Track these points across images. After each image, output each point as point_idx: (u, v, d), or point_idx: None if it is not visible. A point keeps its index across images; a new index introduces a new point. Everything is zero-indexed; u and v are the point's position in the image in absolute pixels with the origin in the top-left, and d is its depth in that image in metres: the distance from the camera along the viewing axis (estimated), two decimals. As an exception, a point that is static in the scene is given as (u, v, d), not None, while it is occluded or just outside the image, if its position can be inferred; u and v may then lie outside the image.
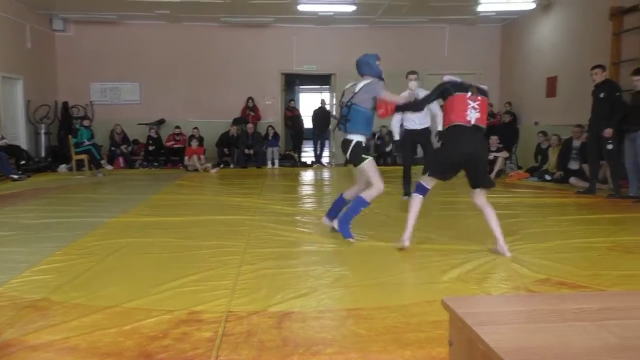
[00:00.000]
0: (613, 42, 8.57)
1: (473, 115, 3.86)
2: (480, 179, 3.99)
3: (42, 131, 11.48)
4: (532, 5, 10.83)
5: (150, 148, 11.94)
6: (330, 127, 12.80)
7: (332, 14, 11.54)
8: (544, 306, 1.22)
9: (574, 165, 8.51)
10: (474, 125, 3.88)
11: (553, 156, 9.19)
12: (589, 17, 9.35)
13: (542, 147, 9.64)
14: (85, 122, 10.83)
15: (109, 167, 11.29)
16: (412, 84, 5.89)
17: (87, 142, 10.43)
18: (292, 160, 12.64)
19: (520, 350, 0.96)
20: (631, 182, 6.78)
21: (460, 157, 3.91)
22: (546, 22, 10.95)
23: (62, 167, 11.01)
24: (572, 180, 8.20)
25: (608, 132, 6.79)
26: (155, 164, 11.88)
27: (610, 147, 6.89)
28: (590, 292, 2.96)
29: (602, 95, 6.91)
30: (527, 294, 3.14)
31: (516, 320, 1.14)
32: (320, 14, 11.53)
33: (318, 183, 9.97)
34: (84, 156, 10.30)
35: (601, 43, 8.79)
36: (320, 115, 13.05)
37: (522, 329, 1.09)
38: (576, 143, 8.51)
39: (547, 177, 8.98)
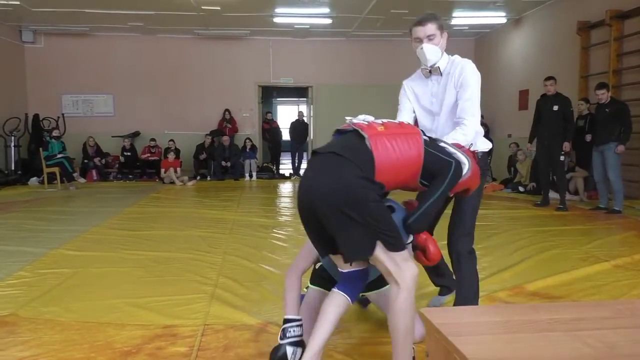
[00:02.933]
0: (581, 56, 8.81)
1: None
2: (342, 245, 2.06)
3: (12, 144, 11.21)
4: (504, 20, 11.09)
5: (122, 159, 11.76)
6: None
7: (308, 26, 11.62)
8: (518, 317, 1.23)
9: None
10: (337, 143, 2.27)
11: (523, 169, 9.38)
12: (557, 32, 9.61)
13: (514, 159, 9.83)
14: (55, 133, 10.64)
15: (82, 180, 11.10)
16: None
17: (58, 155, 10.23)
18: (270, 173, 12.61)
19: (496, 361, 0.97)
20: (601, 194, 6.92)
21: (301, 210, 2.26)
22: (517, 36, 11.22)
23: (33, 180, 10.77)
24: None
25: (567, 145, 6.94)
26: (130, 176, 11.71)
27: (562, 158, 7.04)
28: (563, 303, 3.01)
29: (555, 108, 6.97)
30: (502, 305, 3.17)
31: (491, 331, 1.15)
32: (296, 26, 11.60)
33: (296, 195, 9.93)
34: (55, 169, 10.10)
35: (570, 57, 9.04)
36: (298, 127, 13.08)
37: (497, 339, 1.10)
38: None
39: (521, 188, 9.14)
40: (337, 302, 2.17)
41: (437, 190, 2.12)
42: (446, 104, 2.63)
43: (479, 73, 2.62)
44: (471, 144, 2.49)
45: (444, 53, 2.65)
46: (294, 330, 2.26)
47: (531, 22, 10.68)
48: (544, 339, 1.08)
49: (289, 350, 2.23)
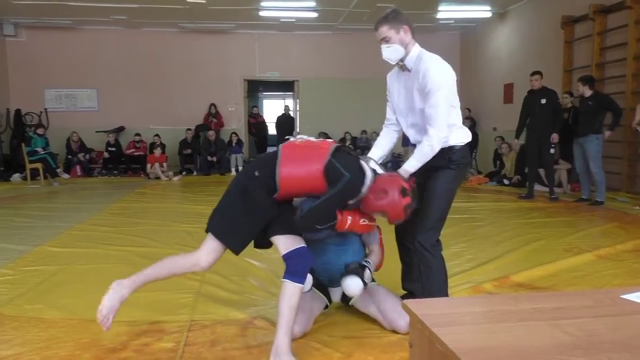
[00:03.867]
0: (565, 50, 8.90)
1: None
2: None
3: (-7, 139, 11.08)
4: (489, 14, 11.15)
5: (107, 155, 11.64)
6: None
7: (294, 20, 11.58)
8: (500, 307, 1.25)
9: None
10: None
11: (508, 162, 9.46)
12: (542, 26, 9.69)
13: (499, 153, 9.91)
14: (40, 131, 10.51)
15: (66, 176, 10.97)
16: None
17: (41, 151, 10.11)
18: (255, 167, 12.57)
19: (478, 351, 0.98)
20: (583, 186, 7.02)
21: None
22: (502, 30, 11.29)
23: (16, 177, 10.63)
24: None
25: (555, 137, 7.02)
26: (115, 172, 11.60)
27: (552, 151, 7.13)
28: (545, 293, 3.05)
29: (543, 101, 7.04)
30: (485, 295, 3.20)
31: (474, 321, 1.16)
32: (282, 20, 11.55)
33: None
34: (38, 165, 9.97)
35: (554, 51, 9.12)
36: (285, 121, 13.06)
37: (480, 329, 1.11)
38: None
39: (506, 181, 9.22)
40: (286, 293, 2.32)
41: (325, 195, 2.29)
42: (415, 101, 2.62)
43: (446, 70, 2.55)
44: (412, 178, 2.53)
45: (414, 46, 2.64)
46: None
47: (516, 16, 10.75)
48: (525, 328, 1.09)
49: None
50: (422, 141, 2.56)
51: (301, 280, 2.32)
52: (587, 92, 6.67)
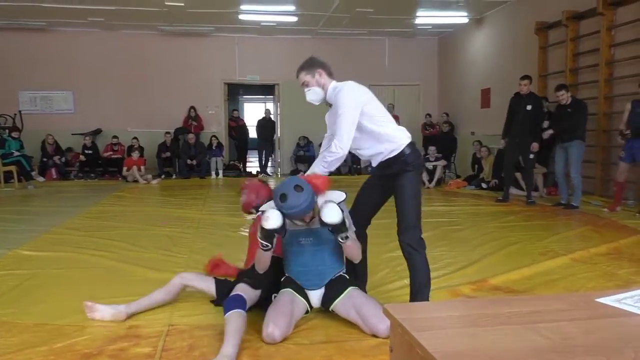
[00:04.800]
0: (539, 55, 9.06)
1: None
2: None
3: (-34, 141, 10.80)
4: (466, 20, 11.30)
5: (83, 158, 11.44)
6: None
7: (275, 24, 11.57)
8: (479, 310, 1.26)
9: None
10: None
11: (486, 166, 9.59)
12: (517, 32, 9.85)
13: (478, 157, 10.04)
14: (14, 134, 10.31)
15: (41, 179, 10.77)
16: None
17: (16, 153, 9.91)
18: (236, 171, 12.52)
19: (457, 355, 0.99)
20: (561, 190, 7.13)
21: None
22: (479, 35, 11.45)
23: (-11, 179, 10.39)
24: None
25: (535, 146, 7.11)
26: (92, 175, 11.42)
27: (532, 157, 7.22)
28: (522, 297, 3.09)
29: (529, 107, 7.12)
30: (464, 299, 3.24)
31: (453, 325, 1.17)
32: (262, 24, 11.53)
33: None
34: (12, 167, 9.77)
35: (529, 56, 9.28)
36: (265, 125, 13.02)
37: (459, 333, 1.12)
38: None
39: (484, 185, 9.34)
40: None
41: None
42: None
43: (354, 93, 2.83)
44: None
45: (331, 84, 2.94)
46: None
47: (492, 22, 10.92)
48: (503, 331, 1.11)
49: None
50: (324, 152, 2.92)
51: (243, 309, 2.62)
52: (568, 99, 6.79)
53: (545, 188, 8.22)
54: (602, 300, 1.30)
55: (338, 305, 2.78)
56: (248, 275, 2.92)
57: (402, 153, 2.82)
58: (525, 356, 0.98)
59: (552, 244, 4.79)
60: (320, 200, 2.72)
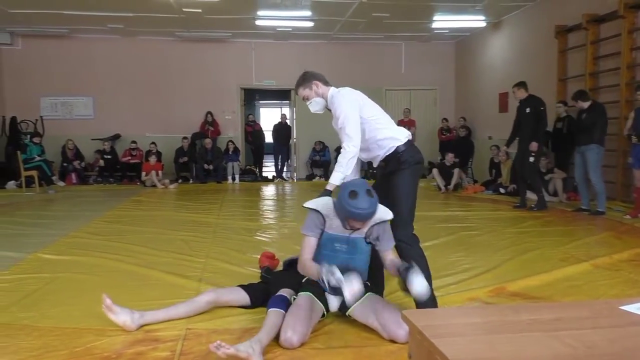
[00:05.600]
0: (559, 59, 8.96)
1: None
2: None
3: (-11, 147, 11.04)
4: (483, 24, 11.23)
5: (102, 163, 11.59)
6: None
7: (291, 29, 11.62)
8: (499, 317, 1.25)
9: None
10: None
11: (504, 170, 9.48)
12: (536, 35, 9.76)
13: (495, 161, 9.94)
14: (36, 140, 10.50)
15: (61, 184, 10.94)
16: None
17: (37, 158, 10.08)
18: (253, 175, 12.57)
19: (477, 362, 0.98)
20: (582, 195, 7.01)
21: None
22: (497, 39, 11.36)
23: (11, 184, 10.58)
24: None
25: (534, 145, 7.01)
26: (111, 179, 11.56)
27: (532, 159, 7.09)
28: (543, 303, 3.05)
29: (527, 110, 7.08)
30: (484, 305, 3.20)
31: (473, 332, 1.16)
32: (278, 29, 11.59)
33: (280, 197, 9.94)
34: (33, 172, 9.93)
35: (548, 60, 9.18)
36: (281, 130, 13.07)
37: (479, 340, 1.11)
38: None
39: (502, 190, 9.24)
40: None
41: None
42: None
43: (347, 96, 3.03)
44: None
45: (329, 91, 3.13)
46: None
47: (510, 26, 10.83)
48: (524, 339, 1.09)
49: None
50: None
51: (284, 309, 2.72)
52: (585, 105, 6.72)
53: (564, 193, 8.10)
54: (626, 307, 1.27)
55: (356, 310, 2.76)
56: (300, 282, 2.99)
57: (396, 151, 2.95)
58: (548, 364, 0.96)
59: (573, 249, 4.72)
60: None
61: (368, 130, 2.99)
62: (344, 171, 2.94)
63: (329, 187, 2.99)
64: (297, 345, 2.53)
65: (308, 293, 2.80)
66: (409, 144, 3.02)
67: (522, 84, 7.29)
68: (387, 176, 3.01)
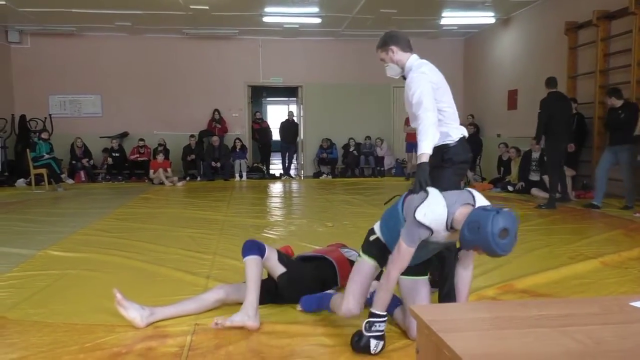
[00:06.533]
0: (569, 56, 8.89)
1: None
2: None
3: (-1, 145, 11.12)
4: (492, 20, 11.16)
5: (110, 161, 11.66)
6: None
7: (298, 26, 11.61)
8: (507, 313, 1.24)
9: (534, 176, 8.72)
10: None
11: (514, 168, 9.43)
12: (546, 32, 9.69)
13: (503, 159, 9.89)
14: (44, 135, 10.55)
15: (70, 181, 11.01)
16: None
17: (46, 156, 10.14)
18: (260, 173, 12.60)
19: (485, 357, 0.97)
20: (598, 191, 6.89)
21: None
22: (506, 36, 11.29)
23: (20, 182, 10.66)
24: (534, 191, 8.42)
25: (571, 146, 7.09)
26: (119, 177, 11.63)
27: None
28: (552, 299, 3.03)
29: (562, 108, 7.06)
30: (491, 301, 3.19)
31: (481, 327, 1.15)
32: (285, 26, 11.59)
33: (287, 195, 9.95)
34: (42, 170, 10.00)
35: (558, 57, 9.11)
36: (288, 127, 13.07)
37: (487, 335, 1.10)
38: (535, 155, 8.74)
39: (510, 188, 9.20)
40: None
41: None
42: (408, 108, 3.01)
43: (426, 78, 2.88)
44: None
45: (408, 59, 3.03)
46: (379, 325, 2.41)
47: (519, 22, 10.76)
48: (532, 334, 1.09)
49: (373, 343, 2.40)
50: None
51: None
52: (618, 103, 6.67)
53: (573, 191, 8.05)
54: (636, 304, 1.27)
55: (399, 313, 2.74)
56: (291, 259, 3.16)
57: (444, 145, 2.88)
58: (557, 360, 0.96)
59: (582, 247, 4.68)
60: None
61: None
62: (431, 138, 2.73)
63: (424, 159, 2.68)
64: (358, 314, 2.57)
65: (374, 260, 2.63)
66: (460, 141, 2.95)
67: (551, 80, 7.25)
68: (431, 169, 2.77)
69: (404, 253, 2.34)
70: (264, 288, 2.90)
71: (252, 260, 2.80)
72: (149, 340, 2.62)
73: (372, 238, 2.68)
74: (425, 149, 2.71)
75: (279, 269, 2.98)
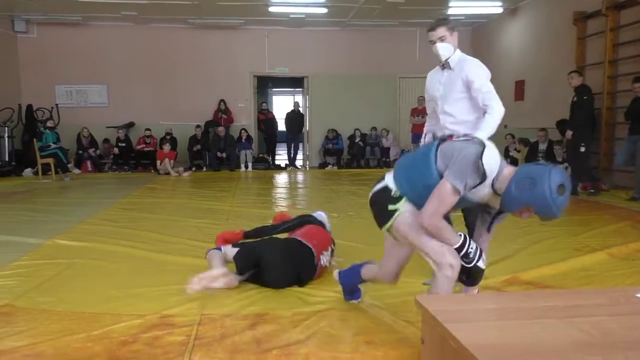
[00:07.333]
0: (577, 46, 8.80)
1: None
2: None
3: (5, 135, 11.11)
4: (500, 10, 11.06)
5: (116, 151, 11.70)
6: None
7: (304, 16, 11.55)
8: (513, 304, 1.24)
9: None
10: None
11: (521, 159, 9.38)
12: (554, 22, 9.59)
13: (510, 151, 9.84)
14: (50, 123, 10.58)
15: (77, 171, 11.07)
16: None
17: (53, 146, 10.18)
18: (265, 163, 12.60)
19: (491, 347, 0.97)
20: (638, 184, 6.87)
21: None
22: (514, 26, 11.19)
23: (27, 171, 10.72)
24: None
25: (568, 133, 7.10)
26: (126, 167, 11.66)
27: (583, 149, 7.14)
28: (558, 290, 3.03)
29: (585, 97, 7.22)
30: (497, 292, 3.19)
31: (486, 318, 1.15)
32: (291, 16, 11.52)
33: (292, 185, 9.96)
34: (49, 160, 10.04)
35: (566, 47, 9.02)
36: (294, 118, 13.05)
37: (493, 326, 1.10)
38: (542, 146, 8.69)
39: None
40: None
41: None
42: (449, 94, 3.16)
43: (485, 68, 3.16)
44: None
45: (457, 50, 3.21)
46: (468, 248, 2.25)
47: (527, 12, 10.65)
48: (538, 325, 1.08)
49: (471, 251, 2.25)
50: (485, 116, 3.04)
51: None
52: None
53: (580, 183, 7.99)
54: (643, 295, 1.26)
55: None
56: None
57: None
58: (564, 351, 0.95)
59: (588, 239, 4.66)
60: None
61: (476, 108, 3.10)
62: (491, 132, 2.93)
63: (481, 128, 2.99)
64: (395, 281, 2.68)
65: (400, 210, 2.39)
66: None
67: (574, 72, 7.31)
68: None
69: (446, 192, 2.14)
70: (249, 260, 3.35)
71: (214, 252, 3.50)
72: (156, 329, 2.64)
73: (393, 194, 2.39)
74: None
75: (231, 251, 3.49)
